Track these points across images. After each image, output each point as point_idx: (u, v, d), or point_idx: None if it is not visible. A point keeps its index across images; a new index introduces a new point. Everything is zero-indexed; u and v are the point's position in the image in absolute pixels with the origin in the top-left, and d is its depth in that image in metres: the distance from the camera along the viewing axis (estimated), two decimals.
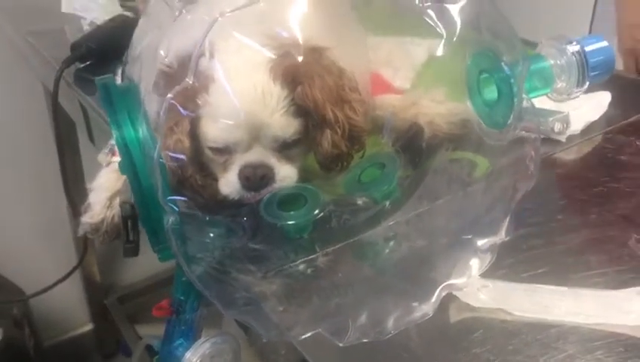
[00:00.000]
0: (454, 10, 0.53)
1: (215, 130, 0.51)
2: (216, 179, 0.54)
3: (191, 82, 0.49)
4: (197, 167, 0.54)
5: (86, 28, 1.11)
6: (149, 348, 0.62)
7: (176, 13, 0.53)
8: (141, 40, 0.56)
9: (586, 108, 0.85)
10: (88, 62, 0.98)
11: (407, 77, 0.62)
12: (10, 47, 1.32)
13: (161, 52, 0.51)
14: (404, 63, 0.62)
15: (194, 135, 0.52)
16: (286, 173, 0.53)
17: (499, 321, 0.53)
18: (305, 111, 0.52)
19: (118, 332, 1.72)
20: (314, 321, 0.49)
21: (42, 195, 1.59)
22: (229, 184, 0.53)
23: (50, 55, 1.06)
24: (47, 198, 1.58)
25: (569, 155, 0.80)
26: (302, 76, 0.51)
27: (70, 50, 0.98)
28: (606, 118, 0.86)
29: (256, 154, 0.52)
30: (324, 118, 0.52)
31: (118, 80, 0.53)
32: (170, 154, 0.49)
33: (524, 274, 0.58)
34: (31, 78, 1.35)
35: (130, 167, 0.47)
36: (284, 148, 0.53)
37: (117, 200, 0.61)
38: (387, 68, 0.63)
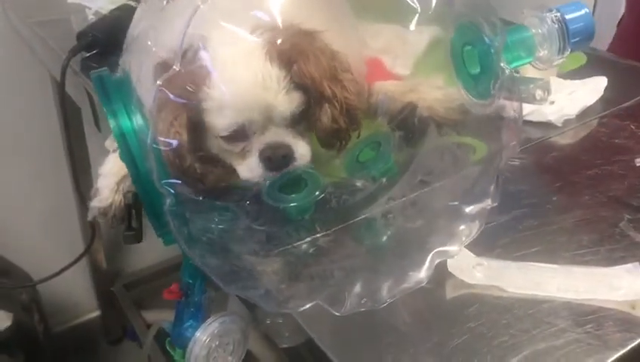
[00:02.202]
0: None
1: (224, 118, 0.52)
2: (220, 168, 0.55)
3: (177, 69, 0.49)
4: (196, 157, 0.55)
5: (91, 17, 1.12)
6: (162, 331, 0.63)
7: (164, 3, 0.54)
8: (135, 30, 0.57)
9: (582, 93, 0.87)
10: (94, 51, 1.00)
11: (406, 64, 0.63)
12: (16, 37, 1.33)
13: (149, 42, 0.52)
14: (404, 51, 0.63)
15: (194, 127, 0.52)
16: (303, 151, 0.54)
17: (493, 297, 0.55)
18: (304, 87, 0.52)
19: (124, 318, 1.73)
20: (312, 294, 0.50)
21: (49, 182, 1.60)
22: (251, 168, 0.54)
23: (56, 44, 1.07)
24: (54, 185, 1.59)
25: (565, 139, 0.81)
26: (296, 55, 0.52)
27: (76, 39, 0.99)
28: (602, 103, 0.87)
29: (273, 135, 0.53)
30: (322, 94, 0.52)
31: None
32: (163, 139, 0.49)
33: (517, 253, 0.60)
34: (36, 66, 1.37)
35: (128, 155, 0.48)
36: (296, 123, 0.54)
37: (124, 185, 0.63)
38: (386, 55, 0.64)
